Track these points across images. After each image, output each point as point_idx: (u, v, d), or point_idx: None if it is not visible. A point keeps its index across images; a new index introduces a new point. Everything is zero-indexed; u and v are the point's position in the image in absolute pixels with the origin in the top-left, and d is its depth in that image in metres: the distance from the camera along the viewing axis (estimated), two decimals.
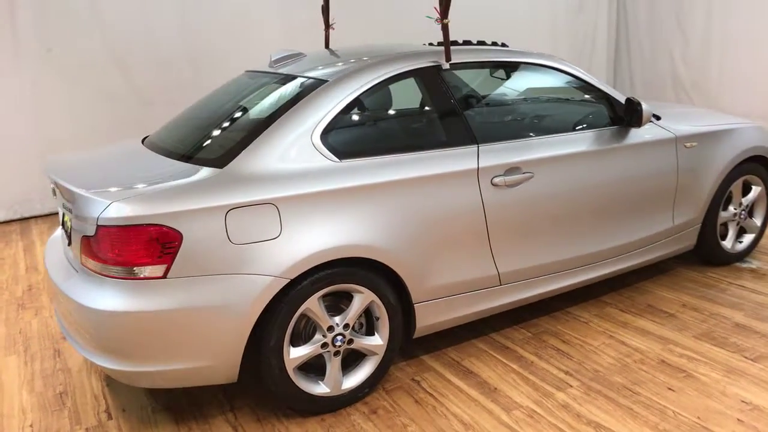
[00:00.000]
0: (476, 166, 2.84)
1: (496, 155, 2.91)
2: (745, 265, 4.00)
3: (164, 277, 2.31)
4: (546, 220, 3.07)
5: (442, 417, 2.61)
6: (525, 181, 2.97)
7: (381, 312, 2.70)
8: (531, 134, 3.10)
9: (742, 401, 2.61)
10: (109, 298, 2.32)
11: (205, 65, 6.51)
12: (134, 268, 2.30)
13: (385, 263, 2.64)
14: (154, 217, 2.28)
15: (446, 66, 2.95)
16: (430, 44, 3.43)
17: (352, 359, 2.75)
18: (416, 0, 7.54)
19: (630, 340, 3.15)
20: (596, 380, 2.82)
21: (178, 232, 2.31)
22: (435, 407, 2.68)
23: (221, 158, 2.56)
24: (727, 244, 3.96)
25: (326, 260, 2.49)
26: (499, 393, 2.76)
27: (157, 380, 2.46)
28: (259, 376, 2.54)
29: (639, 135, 3.38)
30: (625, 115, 3.31)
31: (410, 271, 2.72)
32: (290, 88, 2.86)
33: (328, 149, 2.61)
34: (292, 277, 2.44)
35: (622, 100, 3.35)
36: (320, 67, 2.97)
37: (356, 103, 2.74)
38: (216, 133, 2.83)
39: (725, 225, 3.96)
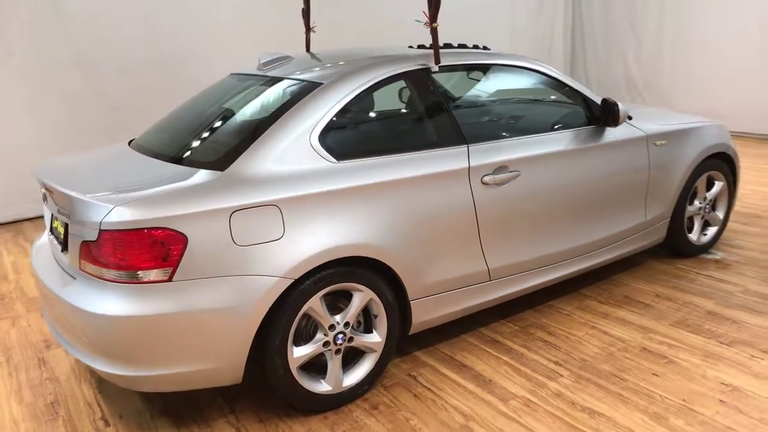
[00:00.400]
0: (467, 166, 2.93)
1: (485, 155, 3.01)
2: (710, 257, 4.21)
3: (169, 280, 2.31)
4: (531, 216, 3.19)
5: (443, 410, 2.69)
6: (512, 180, 3.07)
7: (379, 310, 2.75)
8: (516, 134, 3.21)
9: (722, 383, 2.77)
10: (113, 302, 2.31)
11: (171, 69, 6.43)
12: (139, 272, 2.29)
13: (384, 262, 2.70)
14: (159, 221, 2.28)
15: (435, 68, 3.03)
16: (410, 47, 3.51)
17: (350, 357, 2.80)
18: (388, 5, 7.65)
19: (612, 329, 3.29)
20: (585, 369, 2.94)
21: (183, 234, 2.31)
22: (434, 401, 2.75)
23: (221, 161, 2.57)
24: (694, 236, 4.16)
25: (328, 260, 2.54)
26: (494, 384, 2.85)
27: (160, 384, 2.46)
28: (263, 376, 2.56)
29: (614, 134, 3.53)
30: (602, 115, 3.46)
31: (406, 269, 2.79)
32: (285, 91, 2.89)
33: (326, 150, 2.65)
34: (296, 277, 2.47)
35: (598, 100, 3.50)
36: (312, 70, 3.01)
37: (351, 105, 2.79)
38: (211, 135, 2.84)
39: (691, 219, 4.16)
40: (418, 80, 3.00)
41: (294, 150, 2.60)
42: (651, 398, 2.69)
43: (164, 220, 2.29)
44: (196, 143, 2.81)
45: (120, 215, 2.27)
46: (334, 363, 2.68)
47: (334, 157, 2.66)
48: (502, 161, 3.04)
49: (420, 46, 3.59)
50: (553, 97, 3.56)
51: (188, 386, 2.49)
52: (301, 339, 2.63)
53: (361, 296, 2.68)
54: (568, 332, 3.28)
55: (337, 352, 2.68)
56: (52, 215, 2.84)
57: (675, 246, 4.13)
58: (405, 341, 3.19)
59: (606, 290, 3.77)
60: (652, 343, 3.13)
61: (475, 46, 3.52)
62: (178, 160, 2.72)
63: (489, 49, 3.46)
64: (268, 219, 2.44)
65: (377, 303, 2.74)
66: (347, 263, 2.63)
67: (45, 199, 2.77)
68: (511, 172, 3.07)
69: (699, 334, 3.21)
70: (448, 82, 3.16)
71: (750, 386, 2.74)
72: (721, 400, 2.65)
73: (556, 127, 3.38)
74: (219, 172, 2.50)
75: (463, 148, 2.97)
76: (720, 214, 4.28)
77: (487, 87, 3.44)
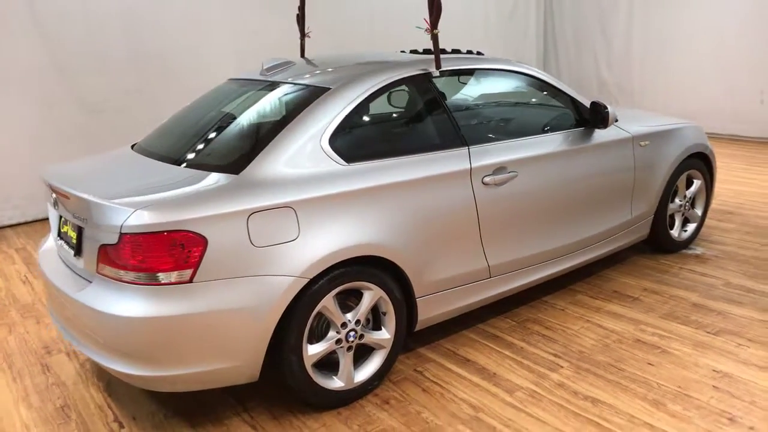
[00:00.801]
0: (469, 167, 3.03)
1: (485, 156, 3.12)
2: (690, 252, 4.40)
3: (190, 281, 2.36)
4: (528, 215, 3.31)
5: (451, 402, 2.78)
6: (510, 180, 3.19)
7: (388, 307, 2.84)
8: (512, 136, 3.33)
9: (714, 370, 2.93)
10: (134, 304, 2.35)
11: (151, 72, 6.40)
12: (160, 274, 2.34)
13: (393, 260, 2.79)
14: (179, 223, 2.33)
15: (436, 73, 3.13)
16: (402, 51, 3.62)
17: (359, 354, 2.87)
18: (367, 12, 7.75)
19: (605, 323, 3.44)
20: (583, 360, 3.07)
21: (203, 237, 2.36)
22: (442, 394, 2.85)
23: (235, 164, 2.62)
24: (675, 233, 4.35)
25: (342, 259, 2.61)
26: (499, 377, 2.96)
27: (178, 383, 2.50)
28: (279, 374, 2.62)
29: (602, 135, 3.68)
30: (591, 117, 3.60)
31: (413, 267, 2.88)
32: (293, 95, 2.96)
33: (336, 153, 2.73)
34: (311, 277, 2.54)
35: (586, 103, 3.65)
36: (316, 75, 3.08)
37: (358, 109, 2.87)
38: (221, 139, 2.89)
39: (672, 216, 4.34)
40: (421, 85, 3.10)
41: (305, 153, 2.67)
42: (648, 386, 2.83)
43: (184, 223, 2.34)
44: (206, 147, 2.86)
45: (141, 218, 2.31)
46: (346, 360, 2.75)
47: (344, 160, 2.74)
48: (501, 162, 3.16)
49: (413, 51, 3.70)
50: (545, 100, 3.69)
51: (206, 385, 2.54)
52: (314, 337, 2.70)
53: (371, 294, 2.76)
54: (563, 326, 3.41)
55: (349, 349, 2.76)
56: (61, 220, 2.85)
57: (658, 242, 4.30)
58: (409, 338, 3.27)
59: (596, 286, 3.92)
60: (645, 335, 3.28)
61: (469, 52, 3.64)
62: (188, 163, 2.76)
63: (483, 54, 3.58)
64: (283, 220, 2.51)
65: (386, 301, 2.82)
66: (358, 263, 2.70)
67: (55, 204, 2.78)
68: (509, 172, 3.18)
69: (687, 325, 3.37)
70: (446, 86, 3.26)
71: (739, 372, 2.90)
72: (714, 386, 2.80)
73: (550, 129, 3.51)
74: (234, 175, 2.56)
75: (464, 150, 3.07)
76: (698, 211, 4.47)
77: (483, 91, 3.56)
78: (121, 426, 2.74)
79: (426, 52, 3.62)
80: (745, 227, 4.85)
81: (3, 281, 4.51)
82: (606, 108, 3.53)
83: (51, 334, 3.62)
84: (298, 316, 2.55)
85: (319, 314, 2.66)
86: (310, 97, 2.84)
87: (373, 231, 2.71)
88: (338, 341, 2.71)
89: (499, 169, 3.15)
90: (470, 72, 3.40)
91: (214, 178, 2.56)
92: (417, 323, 3.01)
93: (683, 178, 4.26)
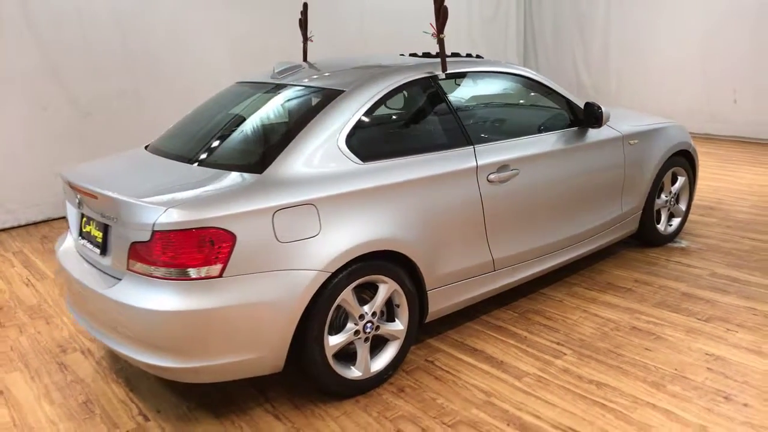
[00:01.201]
0: (475, 165, 3.19)
1: (490, 154, 3.27)
2: (676, 245, 4.61)
3: (220, 276, 2.47)
4: (529, 210, 3.47)
5: (464, 388, 2.93)
6: (513, 177, 3.35)
7: (401, 299, 2.97)
8: (513, 135, 3.49)
9: (707, 354, 3.12)
10: (166, 299, 2.44)
11: (144, 74, 6.45)
12: (192, 269, 2.44)
13: (406, 254, 2.92)
14: (210, 221, 2.44)
15: (443, 76, 3.28)
16: (401, 55, 3.76)
17: (373, 345, 2.99)
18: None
19: (601, 312, 3.61)
20: (584, 347, 3.24)
21: (232, 233, 2.47)
22: (454, 381, 2.99)
23: (257, 164, 2.73)
24: (661, 227, 4.56)
25: (360, 253, 2.74)
26: (506, 365, 3.11)
27: (203, 375, 2.59)
28: (302, 364, 2.74)
29: (595, 134, 3.87)
30: (585, 117, 3.78)
31: (425, 261, 3.02)
32: (307, 97, 3.08)
33: (352, 152, 2.86)
34: (333, 271, 2.66)
35: (580, 104, 3.83)
36: (328, 78, 3.20)
37: (372, 110, 3.00)
38: (240, 139, 3.00)
39: (658, 211, 4.55)
40: (428, 87, 3.24)
41: (324, 152, 2.79)
42: (647, 369, 3.01)
43: (214, 220, 2.44)
44: (225, 147, 2.96)
45: (172, 216, 2.41)
46: (363, 350, 2.88)
47: (360, 159, 2.86)
48: (504, 160, 3.31)
49: (412, 55, 3.85)
50: (542, 101, 3.86)
51: (233, 376, 2.64)
52: (333, 329, 2.81)
53: (387, 287, 2.89)
54: (563, 316, 3.58)
55: (366, 340, 2.88)
56: (83, 220, 2.93)
57: (645, 236, 4.51)
58: (419, 330, 3.41)
59: (589, 278, 4.10)
60: (640, 323, 3.47)
61: (468, 55, 3.79)
62: (208, 163, 2.87)
63: (482, 57, 3.74)
64: (306, 217, 2.63)
65: (400, 293, 2.95)
66: (374, 257, 2.83)
67: (80, 204, 2.86)
68: (511, 170, 3.34)
69: (678, 312, 3.57)
70: (451, 87, 3.40)
71: (731, 355, 3.09)
72: (708, 368, 2.99)
73: (548, 128, 3.68)
74: (258, 175, 2.67)
75: (470, 149, 3.22)
76: (683, 206, 4.69)
77: (484, 92, 3.72)
78: (146, 419, 2.83)
79: (425, 55, 3.77)
80: (725, 221, 5.09)
81: (5, 284, 4.53)
82: (600, 108, 3.71)
83: (63, 334, 3.68)
84: (321, 309, 2.67)
85: (338, 307, 2.79)
86: (325, 100, 2.97)
87: (388, 226, 2.85)
88: (356, 332, 2.84)
89: (503, 167, 3.31)
90: (473, 74, 3.55)
91: (238, 177, 2.67)
92: (428, 315, 3.15)
93: (669, 174, 4.47)
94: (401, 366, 3.12)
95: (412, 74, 3.20)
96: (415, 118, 3.38)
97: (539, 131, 3.63)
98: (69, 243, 3.15)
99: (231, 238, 2.47)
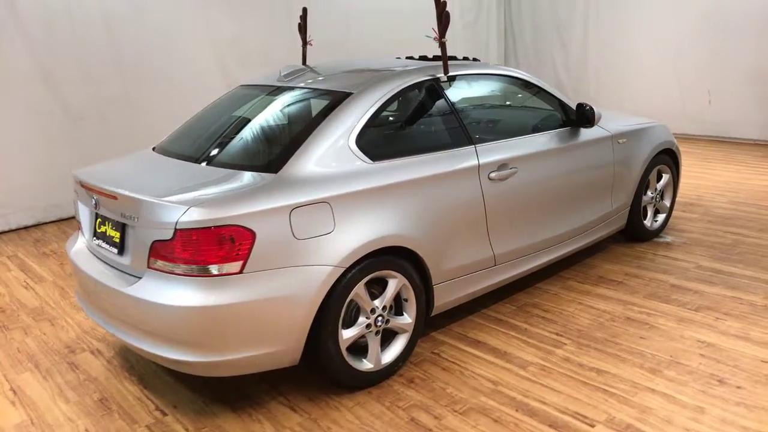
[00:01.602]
0: (477, 164, 3.31)
1: (490, 154, 3.40)
2: (661, 240, 4.80)
3: (240, 272, 2.55)
4: (527, 207, 3.61)
5: (471, 378, 3.05)
6: (512, 176, 3.49)
7: (409, 294, 3.08)
8: (510, 135, 3.63)
9: (698, 341, 3.28)
10: (189, 295, 2.52)
11: (136, 79, 6.47)
12: (213, 266, 2.52)
13: (415, 250, 3.03)
14: (231, 219, 2.52)
15: (444, 78, 3.40)
16: (397, 58, 3.88)
17: (382, 338, 3.10)
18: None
19: (596, 304, 3.77)
20: (583, 337, 3.38)
21: (252, 231, 2.55)
22: (462, 372, 3.11)
23: (272, 164, 2.82)
24: (648, 223, 4.74)
25: (372, 249, 2.84)
26: (510, 355, 3.24)
27: (223, 369, 2.68)
28: (317, 357, 2.83)
29: (587, 134, 4.03)
30: (578, 117, 3.94)
31: (431, 257, 3.13)
32: (316, 99, 3.18)
33: (362, 152, 2.96)
34: (347, 266, 2.76)
35: (572, 105, 3.99)
36: (335, 81, 3.31)
37: (380, 111, 3.11)
38: (252, 141, 3.09)
39: (645, 208, 4.73)
40: (432, 89, 3.37)
41: (335, 152, 2.89)
42: (644, 356, 3.16)
43: (235, 218, 2.53)
44: (238, 148, 3.05)
45: (195, 215, 2.49)
46: (374, 343, 2.98)
47: (370, 158, 2.97)
48: (503, 159, 3.45)
49: (408, 58, 3.98)
50: (537, 102, 4.01)
51: (252, 369, 2.72)
52: (345, 323, 2.91)
53: (396, 282, 3.00)
54: (559, 308, 3.73)
55: (377, 333, 2.99)
56: (99, 221, 2.99)
57: (633, 232, 4.68)
58: (426, 322, 3.52)
59: (582, 272, 4.26)
60: (633, 313, 3.63)
61: (465, 58, 3.93)
62: (221, 164, 2.95)
63: (479, 60, 3.87)
64: (321, 215, 2.72)
65: (408, 288, 3.06)
66: (384, 253, 2.94)
67: (96, 205, 2.91)
68: (510, 169, 3.48)
69: (669, 303, 3.74)
70: (451, 89, 3.52)
71: (721, 342, 3.26)
72: (701, 354, 3.15)
73: (543, 128, 3.83)
74: (273, 174, 2.76)
75: (471, 149, 3.35)
76: (667, 202, 4.88)
77: (482, 93, 3.85)
78: (164, 414, 2.89)
79: (422, 58, 3.90)
80: (706, 217, 5.30)
81: (3, 287, 4.54)
82: (593, 109, 3.87)
83: (70, 335, 3.71)
84: (335, 303, 2.76)
85: (350, 301, 2.88)
86: (335, 101, 3.07)
87: (397, 223, 2.95)
88: (368, 326, 2.94)
89: (502, 165, 3.44)
90: (472, 77, 3.68)
91: (253, 177, 2.76)
92: (433, 308, 3.26)
93: (654, 172, 4.66)
94: (409, 358, 3.23)
95: (417, 77, 3.32)
96: (420, 119, 3.50)
97: (535, 131, 3.78)
98: (81, 244, 3.20)
99: (251, 235, 2.55)
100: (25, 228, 5.98)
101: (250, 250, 2.55)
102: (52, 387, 3.17)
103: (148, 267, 2.63)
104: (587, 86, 9.88)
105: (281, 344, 2.68)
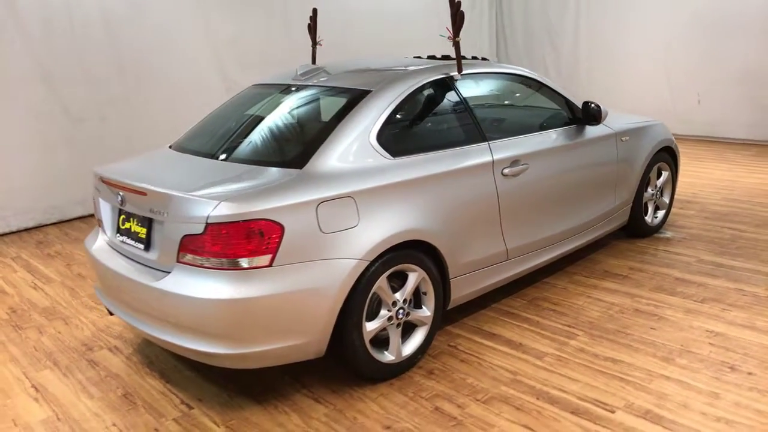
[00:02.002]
0: (491, 160, 3.39)
1: (503, 150, 3.48)
2: (662, 236, 4.92)
3: (270, 265, 2.60)
4: (538, 203, 3.70)
5: (490, 369, 3.12)
6: (523, 172, 3.57)
7: (428, 287, 3.14)
8: (521, 132, 3.71)
9: (707, 331, 3.39)
10: (220, 288, 2.56)
11: (136, 81, 6.48)
12: (244, 259, 2.57)
13: (433, 244, 3.10)
14: (260, 213, 2.57)
15: (458, 77, 3.48)
16: (405, 57, 3.96)
17: (402, 331, 3.16)
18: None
19: (604, 297, 3.86)
20: (594, 329, 3.47)
21: (281, 225, 2.61)
22: (480, 363, 3.18)
23: (296, 160, 2.88)
24: (648, 219, 4.85)
25: (395, 243, 2.90)
26: (525, 347, 3.31)
27: (251, 360, 2.72)
28: (342, 349, 2.88)
29: (593, 131, 4.12)
30: (584, 115, 4.04)
31: (449, 251, 3.20)
32: (335, 97, 3.24)
33: (383, 148, 3.02)
34: (371, 259, 2.82)
35: (578, 103, 4.08)
36: (352, 79, 3.38)
37: (398, 108, 3.18)
38: (274, 137, 3.14)
39: (645, 204, 4.84)
40: (446, 87, 3.44)
41: (357, 148, 2.95)
42: (655, 346, 3.25)
43: (265, 212, 2.58)
44: (261, 144, 3.10)
45: (226, 209, 2.54)
46: (395, 335, 3.04)
47: (390, 154, 3.04)
48: (515, 155, 3.53)
49: (416, 57, 4.05)
50: (544, 100, 4.10)
51: (279, 361, 2.77)
52: (367, 316, 2.96)
53: (416, 276, 3.06)
54: (569, 302, 3.82)
55: (398, 325, 3.05)
56: (123, 217, 3.02)
57: (634, 228, 4.79)
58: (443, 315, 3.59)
59: (587, 267, 4.35)
60: (641, 305, 3.72)
61: (474, 57, 4.01)
62: (245, 160, 3.00)
63: (487, 60, 3.96)
64: (346, 209, 2.78)
65: (427, 281, 3.13)
66: (405, 247, 3.00)
67: (122, 202, 2.94)
68: (522, 165, 3.56)
69: (675, 295, 3.84)
70: (464, 87, 3.60)
71: (729, 331, 3.37)
72: (710, 343, 3.25)
73: (551, 125, 3.92)
74: (298, 170, 2.81)
75: (485, 145, 3.42)
76: (666, 199, 5.00)
77: (493, 91, 3.94)
78: (190, 407, 2.93)
79: (430, 58, 3.98)
80: (703, 213, 5.43)
81: (12, 288, 4.54)
82: (599, 107, 3.97)
83: (86, 333, 3.73)
84: (360, 296, 2.82)
85: (372, 294, 2.94)
86: (354, 99, 3.13)
87: (417, 218, 3.02)
88: (389, 318, 3.00)
89: (515, 161, 3.52)
90: (484, 75, 3.77)
91: (279, 173, 2.81)
92: (450, 302, 3.33)
93: (654, 169, 4.77)
94: (427, 351, 3.29)
95: (432, 75, 3.39)
96: (436, 116, 3.57)
97: (543, 128, 3.87)
98: (101, 241, 3.23)
99: (280, 229, 2.60)
100: (26, 230, 5.96)
101: (279, 243, 2.60)
102: (74, 384, 3.18)
103: (177, 261, 2.67)
104: (579, 87, 10.02)
105: (308, 336, 2.73)
